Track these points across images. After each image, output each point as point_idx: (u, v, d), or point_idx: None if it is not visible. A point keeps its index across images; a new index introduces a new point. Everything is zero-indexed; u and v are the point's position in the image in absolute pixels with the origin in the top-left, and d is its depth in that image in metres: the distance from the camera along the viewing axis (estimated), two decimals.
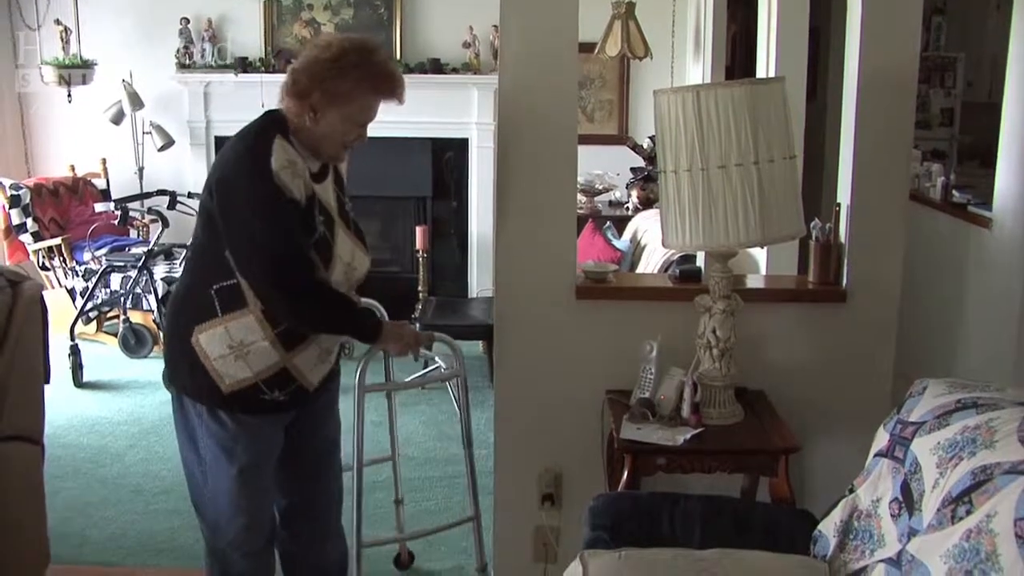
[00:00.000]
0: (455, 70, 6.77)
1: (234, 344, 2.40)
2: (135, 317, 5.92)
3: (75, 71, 6.55)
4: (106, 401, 5.25)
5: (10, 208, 6.14)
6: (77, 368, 5.46)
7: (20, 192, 6.17)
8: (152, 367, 5.66)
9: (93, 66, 6.65)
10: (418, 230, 6.06)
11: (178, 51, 6.80)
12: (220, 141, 6.96)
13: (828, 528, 2.22)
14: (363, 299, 2.73)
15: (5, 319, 2.77)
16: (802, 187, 2.85)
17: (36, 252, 6.16)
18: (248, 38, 6.87)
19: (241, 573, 2.64)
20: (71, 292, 6.07)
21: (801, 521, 2.39)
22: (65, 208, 6.52)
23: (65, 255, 6.06)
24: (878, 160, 2.94)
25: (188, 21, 6.79)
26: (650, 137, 6.13)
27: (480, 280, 6.91)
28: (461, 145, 6.97)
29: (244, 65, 6.75)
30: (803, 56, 4.30)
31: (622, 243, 5.59)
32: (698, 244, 2.67)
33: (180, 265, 5.85)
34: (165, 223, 5.68)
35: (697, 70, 6.04)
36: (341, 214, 2.55)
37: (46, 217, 6.32)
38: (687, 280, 3.09)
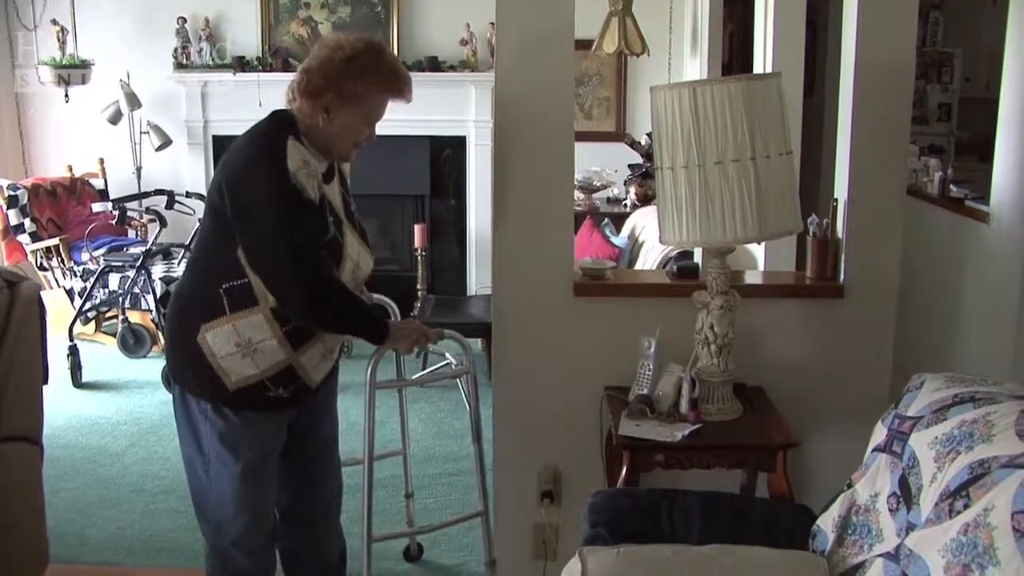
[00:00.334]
0: (452, 68, 6.77)
1: (242, 342, 2.41)
2: (134, 317, 5.92)
3: (72, 71, 6.55)
4: (105, 401, 5.25)
5: (8, 208, 6.14)
6: (76, 368, 5.46)
7: (18, 192, 6.17)
8: (151, 367, 5.67)
9: (90, 66, 6.65)
10: (417, 228, 6.06)
11: (175, 51, 6.80)
12: (218, 140, 6.96)
13: (826, 523, 2.22)
14: (374, 295, 2.74)
15: (3, 319, 2.77)
16: (800, 183, 2.85)
17: (34, 252, 6.16)
18: (245, 37, 6.86)
19: (243, 571, 2.65)
20: (69, 292, 6.07)
21: (800, 516, 2.39)
22: (63, 208, 6.52)
23: (63, 255, 6.06)
24: (875, 155, 2.94)
25: (185, 20, 6.79)
26: (648, 134, 6.13)
27: (479, 278, 6.91)
28: (459, 143, 6.97)
29: (241, 64, 6.75)
30: (800, 52, 4.30)
31: (620, 240, 5.59)
32: (695, 240, 2.67)
33: (179, 265, 5.86)
34: (163, 223, 5.68)
35: (694, 66, 6.04)
36: (347, 215, 2.57)
37: (44, 217, 6.32)
38: (685, 276, 3.10)
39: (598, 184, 6.65)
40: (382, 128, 2.55)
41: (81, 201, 6.60)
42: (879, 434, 2.18)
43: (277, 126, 2.43)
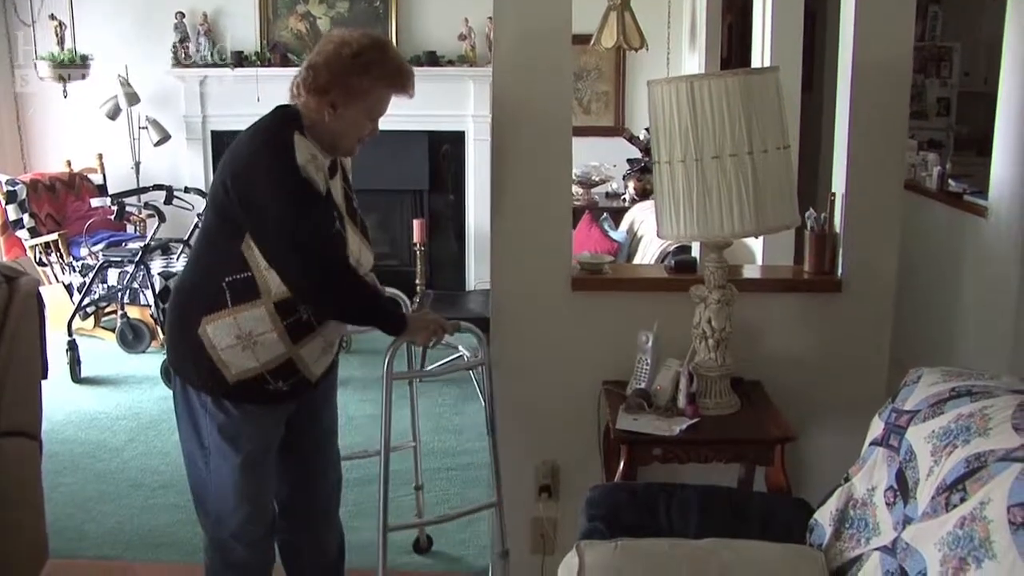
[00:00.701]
0: (451, 63, 6.77)
1: (242, 334, 2.42)
2: (132, 312, 5.92)
3: (71, 68, 6.55)
4: (104, 396, 5.25)
5: (6, 204, 6.14)
6: (75, 363, 5.46)
7: (16, 188, 6.17)
8: (150, 362, 5.67)
9: (89, 61, 6.64)
10: (415, 223, 6.05)
11: (174, 46, 6.79)
12: (216, 136, 6.96)
13: (824, 517, 2.23)
14: (387, 288, 2.75)
15: (2, 315, 2.78)
16: (800, 178, 2.85)
17: (33, 248, 6.17)
18: (243, 32, 6.86)
19: (242, 563, 2.65)
20: (68, 288, 6.08)
21: (797, 510, 2.39)
22: (62, 204, 6.52)
23: (62, 251, 6.06)
24: (873, 150, 2.94)
25: (183, 16, 6.79)
26: (646, 128, 6.13)
27: (478, 273, 6.92)
28: (458, 138, 6.98)
29: (240, 59, 6.75)
30: (798, 46, 4.29)
31: (619, 234, 5.59)
32: (692, 234, 2.67)
33: (177, 260, 5.86)
34: (162, 218, 5.69)
35: (693, 61, 6.04)
36: (349, 210, 2.58)
37: (42, 213, 6.32)
38: (682, 270, 3.10)
39: (597, 179, 6.65)
40: (380, 123, 2.56)
41: (80, 196, 6.60)
42: (876, 428, 2.19)
43: (282, 121, 2.44)
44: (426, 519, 3.57)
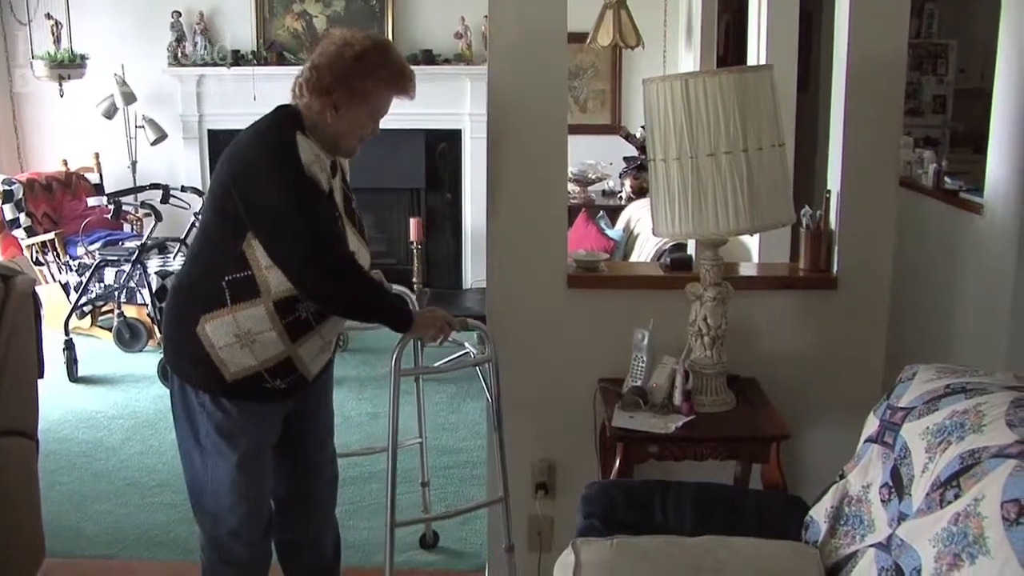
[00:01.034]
0: (447, 61, 6.77)
1: (240, 333, 2.42)
2: (129, 311, 5.92)
3: (67, 67, 6.54)
4: (101, 395, 5.25)
5: (3, 203, 6.13)
6: (72, 363, 5.46)
7: (13, 187, 6.16)
8: (147, 361, 5.67)
9: (85, 60, 6.64)
10: (412, 222, 6.05)
11: (170, 45, 6.79)
12: (213, 135, 6.96)
13: (819, 514, 2.23)
14: (394, 286, 2.76)
15: None
16: (796, 175, 2.86)
17: (29, 247, 6.16)
18: (240, 31, 6.86)
19: (240, 561, 2.65)
20: (65, 287, 6.07)
21: (793, 507, 2.40)
22: (58, 203, 6.51)
23: (58, 250, 6.06)
24: (867, 147, 2.94)
25: (180, 15, 6.78)
26: (643, 126, 6.11)
27: (475, 271, 6.92)
28: (454, 136, 6.98)
29: (236, 58, 6.74)
30: (793, 44, 4.30)
31: (615, 232, 5.60)
32: (688, 232, 2.68)
33: (174, 259, 5.85)
34: (158, 217, 5.68)
35: (689, 59, 6.04)
36: (347, 210, 2.58)
37: (39, 212, 6.32)
38: (678, 268, 3.10)
39: (593, 177, 6.66)
40: None
41: (76, 196, 6.59)
42: (871, 425, 2.19)
43: (284, 121, 2.44)
44: (433, 515, 3.58)
